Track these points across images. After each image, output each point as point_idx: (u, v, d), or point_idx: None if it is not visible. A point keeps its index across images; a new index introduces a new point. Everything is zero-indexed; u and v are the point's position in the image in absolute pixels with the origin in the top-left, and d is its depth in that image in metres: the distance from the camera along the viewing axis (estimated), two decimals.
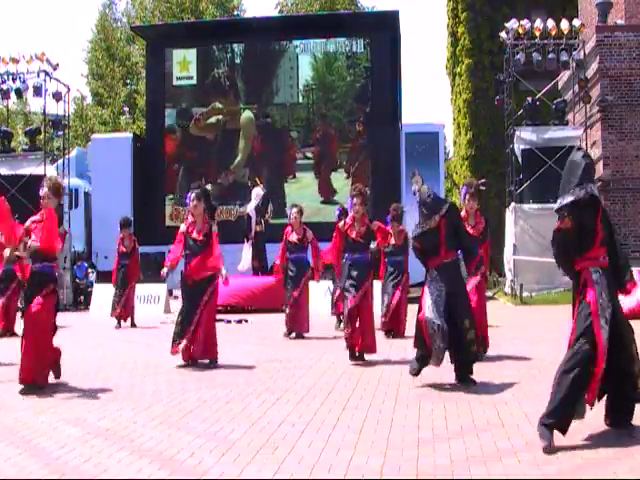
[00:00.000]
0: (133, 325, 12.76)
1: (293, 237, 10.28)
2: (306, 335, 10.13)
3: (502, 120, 18.24)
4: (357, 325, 7.62)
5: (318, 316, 11.24)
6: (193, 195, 7.80)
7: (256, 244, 15.71)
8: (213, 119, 20.99)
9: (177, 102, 21.26)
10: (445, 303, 6.10)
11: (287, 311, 10.24)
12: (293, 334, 10.20)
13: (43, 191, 6.33)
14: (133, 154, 19.78)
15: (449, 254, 6.41)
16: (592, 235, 4.51)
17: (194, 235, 7.77)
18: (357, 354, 7.67)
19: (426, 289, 6.27)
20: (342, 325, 8.95)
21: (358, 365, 7.49)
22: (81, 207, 20.30)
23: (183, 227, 7.90)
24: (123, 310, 12.67)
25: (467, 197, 7.78)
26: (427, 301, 6.17)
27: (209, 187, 20.33)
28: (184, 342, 7.57)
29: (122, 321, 12.68)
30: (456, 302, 6.20)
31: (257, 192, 16.33)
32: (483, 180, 8.41)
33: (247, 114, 21.03)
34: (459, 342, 6.13)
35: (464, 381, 6.21)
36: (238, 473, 3.90)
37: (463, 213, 7.79)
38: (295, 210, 10.35)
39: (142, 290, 15.88)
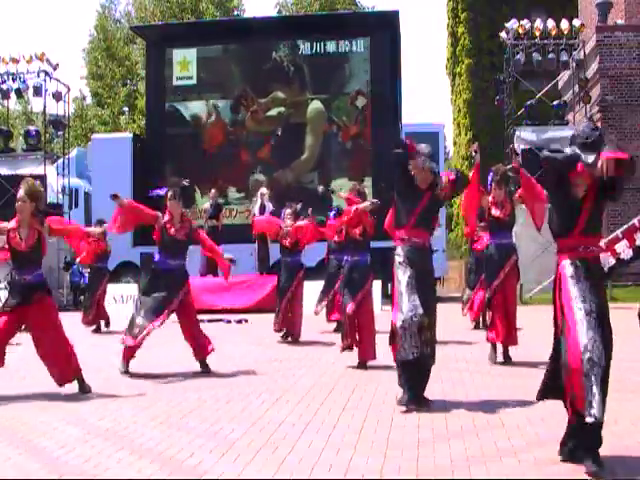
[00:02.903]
0: (107, 325, 11.98)
1: (286, 241, 9.79)
2: (303, 338, 9.82)
3: (502, 120, 18.23)
4: (355, 330, 7.44)
5: (316, 317, 11.20)
6: (170, 193, 7.27)
7: (259, 244, 15.64)
8: (274, 111, 19.67)
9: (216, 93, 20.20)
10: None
11: (279, 314, 9.78)
12: (289, 337, 9.85)
13: (19, 194, 6.08)
14: (133, 154, 19.75)
15: (420, 231, 5.64)
16: (575, 214, 4.03)
17: (172, 232, 7.24)
18: (357, 364, 7.44)
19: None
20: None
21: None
22: (81, 207, 20.29)
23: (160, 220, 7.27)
24: (96, 314, 11.86)
25: (493, 186, 7.61)
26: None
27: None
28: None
29: (98, 325, 11.90)
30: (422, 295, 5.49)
31: (261, 191, 16.30)
32: (509, 167, 8.26)
33: (316, 105, 19.55)
34: None
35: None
36: (238, 473, 3.90)
37: (490, 199, 7.66)
38: (289, 211, 9.92)
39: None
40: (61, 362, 6.17)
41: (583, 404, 3.74)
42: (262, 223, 11.00)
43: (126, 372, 7.14)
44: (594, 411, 3.66)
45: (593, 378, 3.71)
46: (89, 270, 12.59)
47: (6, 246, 6.28)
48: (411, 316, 5.32)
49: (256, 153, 19.82)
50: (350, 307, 7.43)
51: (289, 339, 9.87)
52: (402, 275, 5.49)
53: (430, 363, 5.59)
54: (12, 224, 6.19)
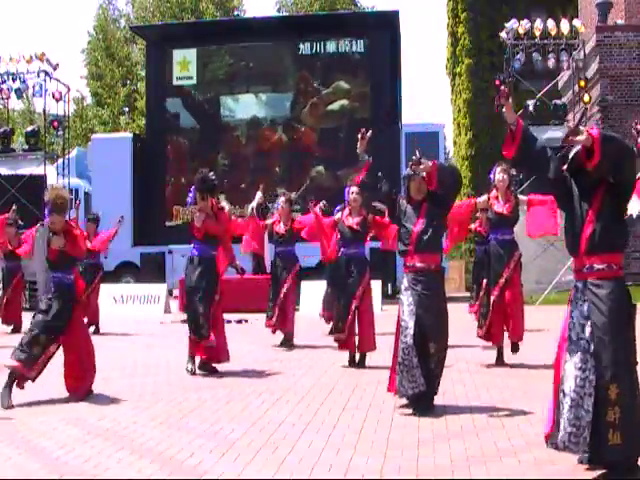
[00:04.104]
0: (97, 331, 11.49)
1: (280, 228, 9.42)
2: (302, 339, 9.66)
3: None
4: (354, 326, 7.41)
5: (314, 317, 11.20)
6: (198, 196, 7.16)
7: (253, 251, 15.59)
8: (336, 105, 19.27)
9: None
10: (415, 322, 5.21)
11: (271, 313, 9.40)
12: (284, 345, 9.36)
13: (49, 215, 6.03)
14: (133, 154, 19.77)
15: (423, 255, 5.34)
16: (579, 231, 3.77)
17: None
18: (357, 360, 7.45)
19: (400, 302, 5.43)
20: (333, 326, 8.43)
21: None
22: (81, 207, 20.27)
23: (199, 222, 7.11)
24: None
25: (498, 170, 7.43)
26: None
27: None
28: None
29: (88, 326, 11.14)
30: (425, 320, 5.25)
31: (258, 193, 16.31)
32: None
33: None
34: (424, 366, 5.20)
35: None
36: (238, 473, 3.90)
37: (493, 192, 7.53)
38: (283, 199, 9.60)
39: (142, 290, 15.91)
40: (79, 368, 6.11)
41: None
42: (249, 238, 9.85)
43: (193, 371, 7.11)
44: (559, 440, 3.63)
45: (561, 407, 3.65)
46: (81, 267, 12.21)
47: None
48: (405, 349, 5.15)
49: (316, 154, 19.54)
50: (350, 302, 7.39)
51: (284, 346, 9.39)
52: (404, 301, 5.31)
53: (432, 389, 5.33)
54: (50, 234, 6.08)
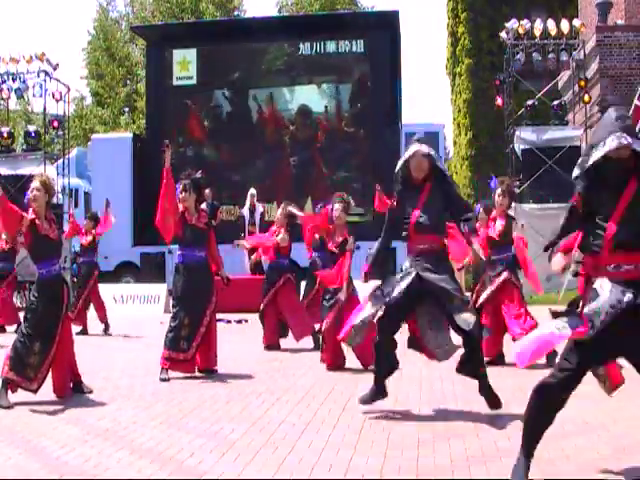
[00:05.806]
0: (83, 333, 11.20)
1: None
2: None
3: (502, 120, 18.23)
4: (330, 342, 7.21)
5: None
6: (180, 187, 7.04)
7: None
8: None
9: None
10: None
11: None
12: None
13: (33, 184, 5.83)
14: (133, 154, 19.75)
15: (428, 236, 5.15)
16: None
17: (193, 221, 7.01)
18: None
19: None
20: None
21: (359, 366, 7.47)
22: (81, 207, 20.28)
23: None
24: (78, 316, 11.11)
25: (498, 192, 7.38)
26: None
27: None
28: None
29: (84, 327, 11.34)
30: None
31: (251, 192, 16.28)
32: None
33: None
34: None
35: None
36: (238, 473, 3.90)
37: (493, 213, 7.51)
38: (281, 209, 9.41)
39: (142, 290, 15.91)
40: (67, 370, 6.03)
41: None
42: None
43: (165, 379, 6.79)
44: None
45: None
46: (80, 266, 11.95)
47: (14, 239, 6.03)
48: None
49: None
50: (327, 318, 7.25)
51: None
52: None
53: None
54: (31, 215, 5.81)
